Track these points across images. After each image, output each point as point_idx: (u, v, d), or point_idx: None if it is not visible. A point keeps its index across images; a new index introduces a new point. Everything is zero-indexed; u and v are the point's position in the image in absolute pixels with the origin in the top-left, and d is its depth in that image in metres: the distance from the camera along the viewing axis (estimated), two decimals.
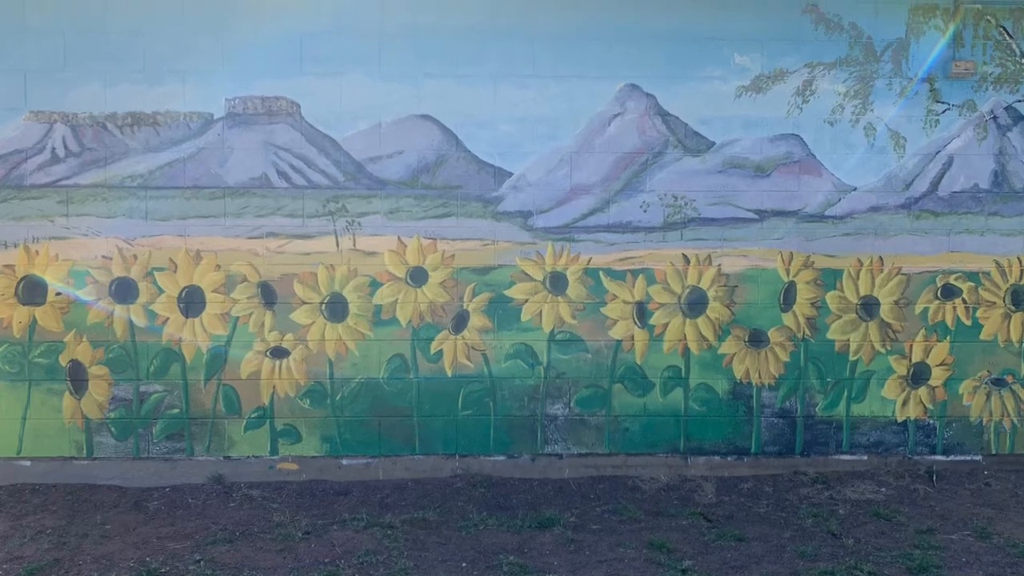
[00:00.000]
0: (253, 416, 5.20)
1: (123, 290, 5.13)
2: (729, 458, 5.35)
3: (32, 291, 5.10)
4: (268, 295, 5.16)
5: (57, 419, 5.13)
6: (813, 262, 5.32)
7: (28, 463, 5.13)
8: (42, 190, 5.08)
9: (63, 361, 5.12)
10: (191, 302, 5.14)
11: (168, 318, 5.14)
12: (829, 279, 5.33)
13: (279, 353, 5.19)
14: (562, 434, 5.31)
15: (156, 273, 5.13)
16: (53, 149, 5.08)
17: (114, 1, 5.04)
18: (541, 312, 5.26)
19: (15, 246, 5.08)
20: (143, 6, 5.05)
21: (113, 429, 5.17)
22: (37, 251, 5.09)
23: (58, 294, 5.11)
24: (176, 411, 5.17)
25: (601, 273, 5.26)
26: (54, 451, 5.14)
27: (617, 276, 5.27)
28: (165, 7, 5.05)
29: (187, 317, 5.14)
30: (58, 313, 5.11)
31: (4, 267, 5.09)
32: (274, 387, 5.19)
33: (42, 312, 5.10)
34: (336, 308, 5.19)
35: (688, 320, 5.30)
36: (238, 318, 5.16)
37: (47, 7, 5.02)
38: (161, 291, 5.13)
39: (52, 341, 5.11)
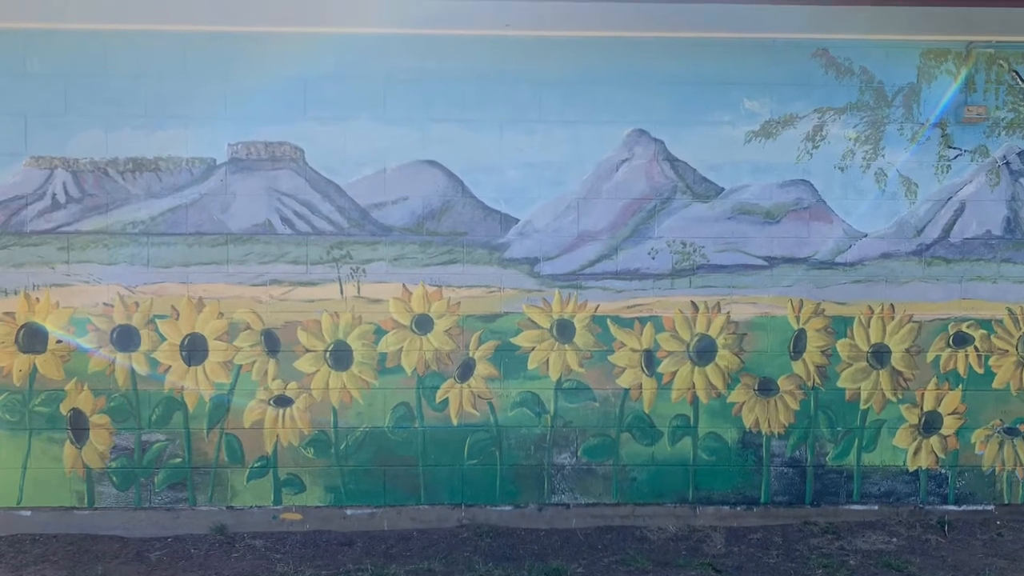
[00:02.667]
0: (256, 465, 5.14)
1: (124, 338, 5.06)
2: (738, 508, 5.28)
3: (32, 339, 5.04)
4: (271, 343, 5.10)
5: (58, 468, 5.07)
6: (823, 309, 5.25)
7: (28, 513, 5.06)
8: (42, 236, 5.02)
9: (64, 410, 5.06)
10: (193, 350, 5.08)
11: (170, 366, 5.07)
12: (839, 327, 5.26)
13: (282, 402, 5.12)
14: (569, 484, 5.24)
15: (158, 321, 5.07)
16: (54, 195, 5.01)
17: (116, 45, 4.98)
18: (548, 360, 5.19)
19: (15, 293, 5.02)
20: (145, 50, 4.99)
21: (114, 479, 5.10)
22: (38, 298, 5.03)
23: (59, 342, 5.04)
24: (178, 460, 5.11)
25: (608, 321, 5.19)
26: (55, 501, 5.08)
27: (625, 324, 5.20)
28: (167, 51, 4.99)
29: (189, 365, 5.08)
30: (59, 361, 5.05)
31: (4, 314, 5.03)
32: (277, 436, 5.13)
33: (43, 360, 5.04)
34: (340, 356, 5.13)
35: (697, 368, 5.24)
36: (241, 366, 5.10)
37: (48, 51, 4.96)
38: (163, 339, 5.07)
39: (53, 389, 5.05)
